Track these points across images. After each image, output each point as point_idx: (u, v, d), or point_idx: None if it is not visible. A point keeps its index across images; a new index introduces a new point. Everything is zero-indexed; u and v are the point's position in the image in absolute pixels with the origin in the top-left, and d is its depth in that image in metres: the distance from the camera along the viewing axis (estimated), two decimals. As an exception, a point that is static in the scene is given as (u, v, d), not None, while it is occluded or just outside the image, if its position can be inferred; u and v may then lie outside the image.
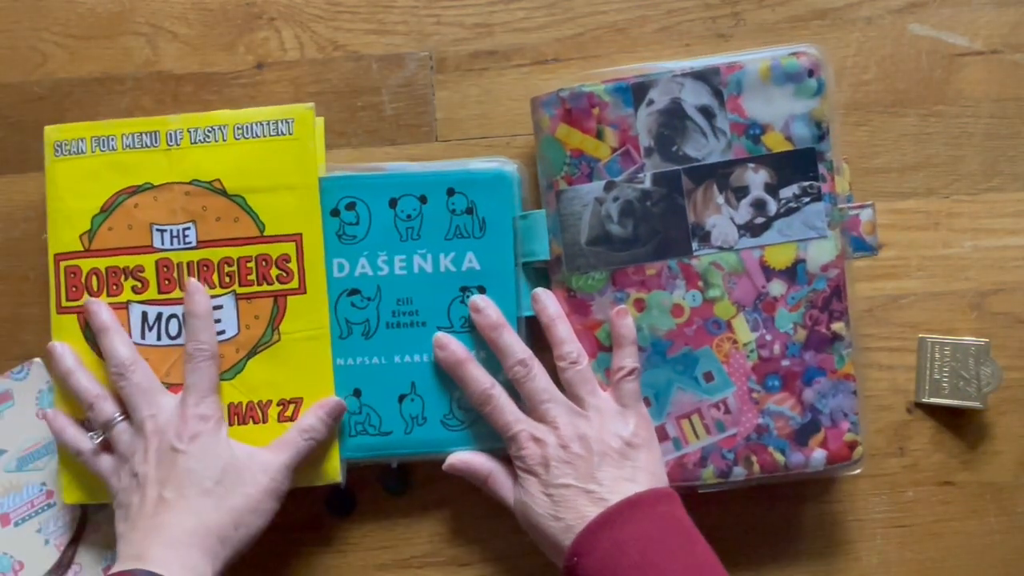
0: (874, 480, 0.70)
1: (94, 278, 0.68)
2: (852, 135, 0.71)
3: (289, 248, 0.67)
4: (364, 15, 0.72)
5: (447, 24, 0.72)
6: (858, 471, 0.66)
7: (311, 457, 0.66)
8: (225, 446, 0.64)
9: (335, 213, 0.68)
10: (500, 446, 0.66)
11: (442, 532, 0.70)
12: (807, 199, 0.65)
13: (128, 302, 0.67)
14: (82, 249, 0.68)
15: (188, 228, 0.67)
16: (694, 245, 0.65)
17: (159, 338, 0.67)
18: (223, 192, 0.67)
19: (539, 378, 0.64)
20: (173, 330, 0.67)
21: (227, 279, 0.67)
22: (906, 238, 0.71)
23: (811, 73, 0.64)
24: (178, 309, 0.67)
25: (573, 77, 0.67)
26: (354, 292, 0.68)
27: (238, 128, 0.67)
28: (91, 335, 0.67)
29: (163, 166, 0.67)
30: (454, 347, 0.66)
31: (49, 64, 0.72)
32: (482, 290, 0.67)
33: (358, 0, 0.72)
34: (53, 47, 0.73)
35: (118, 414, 0.65)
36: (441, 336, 0.67)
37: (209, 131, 0.67)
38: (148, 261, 0.67)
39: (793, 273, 0.65)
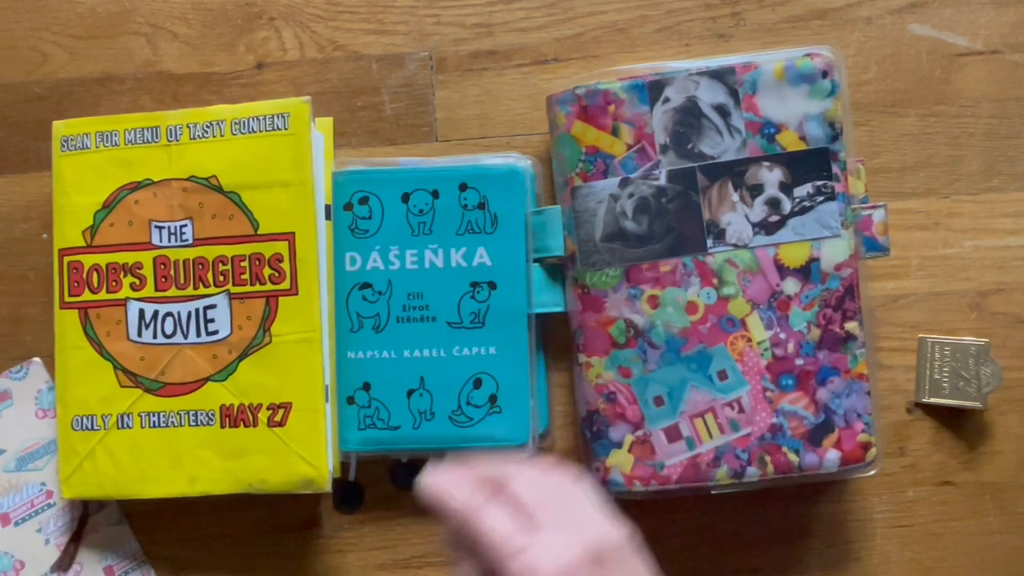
0: (874, 480, 0.70)
1: (95, 274, 0.68)
2: (852, 135, 0.71)
3: (282, 247, 0.66)
4: (364, 15, 0.72)
5: (447, 24, 0.72)
6: (872, 472, 0.66)
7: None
8: None
9: (348, 207, 0.68)
10: (509, 444, 0.65)
11: (442, 532, 0.70)
12: (821, 198, 0.65)
13: (127, 299, 0.67)
14: (84, 245, 0.68)
15: (185, 225, 0.67)
16: (709, 242, 0.65)
17: (155, 336, 0.67)
18: (219, 189, 0.67)
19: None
20: (168, 329, 0.67)
21: (221, 278, 0.67)
22: (906, 238, 0.71)
23: (825, 74, 0.64)
24: (173, 308, 0.67)
25: (573, 77, 0.67)
26: (366, 286, 0.68)
27: (235, 123, 0.67)
28: (92, 331, 0.67)
29: (163, 162, 0.68)
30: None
31: (49, 64, 0.72)
32: (492, 286, 0.67)
33: (358, 0, 0.72)
34: (53, 47, 0.73)
35: None
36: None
37: (207, 126, 0.67)
38: (146, 258, 0.67)
39: (807, 272, 0.65)
